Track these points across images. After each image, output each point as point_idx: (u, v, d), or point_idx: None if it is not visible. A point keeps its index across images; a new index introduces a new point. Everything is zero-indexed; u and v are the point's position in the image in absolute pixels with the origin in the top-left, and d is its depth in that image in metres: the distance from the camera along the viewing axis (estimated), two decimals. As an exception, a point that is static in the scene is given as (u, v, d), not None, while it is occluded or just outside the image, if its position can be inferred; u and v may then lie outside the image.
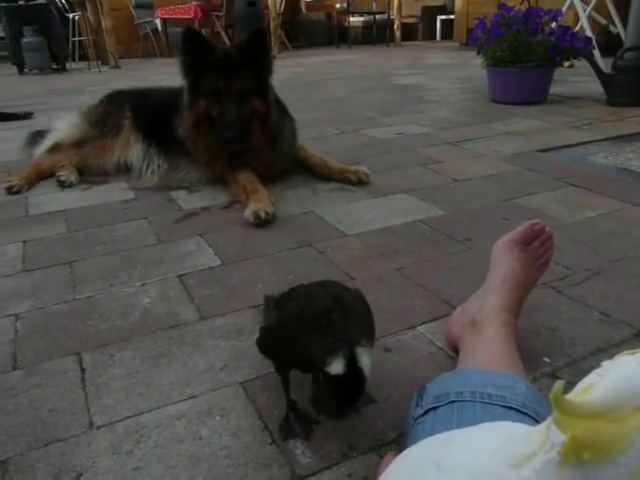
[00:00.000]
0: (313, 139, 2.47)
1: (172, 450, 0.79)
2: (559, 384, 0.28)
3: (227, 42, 7.18)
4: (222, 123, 1.79)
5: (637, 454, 0.28)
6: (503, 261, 0.94)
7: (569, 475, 0.30)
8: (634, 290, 1.16)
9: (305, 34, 9.66)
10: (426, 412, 0.67)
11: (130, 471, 0.76)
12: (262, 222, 1.56)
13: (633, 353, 0.32)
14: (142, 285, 1.28)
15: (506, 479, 0.32)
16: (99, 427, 0.85)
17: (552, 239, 0.99)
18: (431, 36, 9.61)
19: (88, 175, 2.14)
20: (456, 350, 0.95)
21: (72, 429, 0.84)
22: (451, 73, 4.90)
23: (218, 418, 0.85)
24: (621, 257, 1.30)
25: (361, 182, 1.88)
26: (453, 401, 0.65)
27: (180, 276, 1.31)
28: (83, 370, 0.98)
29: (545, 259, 0.98)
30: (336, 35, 9.41)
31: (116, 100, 2.28)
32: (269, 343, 0.85)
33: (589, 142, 2.36)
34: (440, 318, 1.07)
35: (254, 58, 1.78)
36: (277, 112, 1.91)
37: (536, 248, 0.97)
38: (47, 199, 1.93)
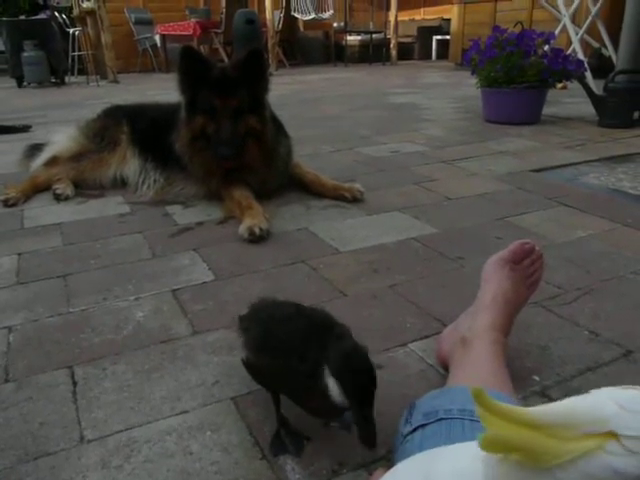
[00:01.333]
0: (308, 156, 2.49)
1: (162, 465, 0.80)
2: (475, 388, 0.30)
3: (225, 59, 7.27)
4: (217, 140, 1.81)
5: (577, 476, 0.30)
6: (493, 280, 0.96)
7: (507, 473, 0.32)
8: (623, 310, 1.17)
9: (302, 52, 9.79)
10: (415, 429, 0.67)
11: (120, 486, 0.76)
12: (256, 238, 1.57)
13: (636, 388, 0.33)
14: (136, 299, 1.28)
15: (477, 474, 0.33)
16: (89, 441, 0.85)
17: (542, 258, 1.00)
18: (427, 56, 9.75)
19: (84, 189, 2.15)
20: (446, 368, 0.96)
21: (62, 443, 0.84)
22: (446, 92, 4.96)
23: (209, 433, 0.85)
24: (611, 277, 1.32)
25: (355, 199, 1.90)
26: (442, 418, 0.66)
27: (174, 291, 1.31)
28: (75, 383, 0.98)
29: (535, 278, 0.99)
30: (333, 53, 9.54)
31: (114, 115, 2.30)
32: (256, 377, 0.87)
33: (581, 163, 2.39)
34: (431, 336, 1.08)
35: (251, 76, 1.80)
36: (273, 129, 1.93)
37: (526, 267, 0.98)
38: (43, 212, 1.94)
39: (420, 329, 1.11)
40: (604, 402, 0.32)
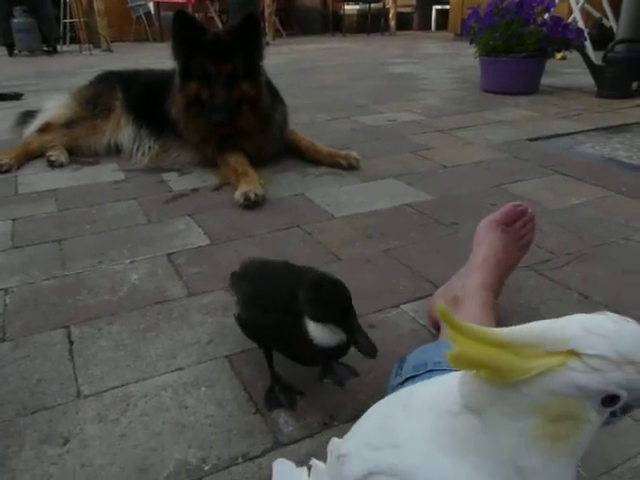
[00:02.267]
0: (304, 125, 2.47)
1: (158, 418, 0.81)
2: (442, 306, 0.31)
3: (220, 27, 7.14)
4: (211, 106, 1.79)
5: (542, 391, 0.32)
6: (485, 241, 0.97)
7: (479, 388, 0.34)
8: (613, 274, 1.18)
9: (300, 21, 9.62)
10: (405, 381, 0.69)
11: (116, 437, 0.78)
12: (251, 204, 1.58)
13: (605, 314, 0.34)
14: (131, 262, 1.29)
15: (453, 393, 0.35)
16: (86, 396, 0.86)
17: (534, 221, 1.01)
18: (426, 26, 9.60)
19: (78, 156, 2.14)
20: (438, 327, 0.97)
21: (60, 398, 0.86)
22: (444, 63, 4.91)
23: (204, 389, 0.87)
24: (603, 242, 1.33)
25: (351, 167, 1.90)
26: (431, 370, 0.67)
27: (169, 254, 1.32)
28: (71, 342, 0.99)
29: (526, 240, 1.00)
30: (331, 23, 9.38)
31: (107, 81, 2.27)
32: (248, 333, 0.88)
33: (578, 132, 2.38)
34: (424, 297, 1.09)
35: (245, 42, 1.78)
36: (268, 96, 1.91)
37: (518, 229, 0.99)
38: (37, 178, 1.93)
39: (413, 291, 1.12)
40: (568, 324, 0.33)
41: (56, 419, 0.82)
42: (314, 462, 0.46)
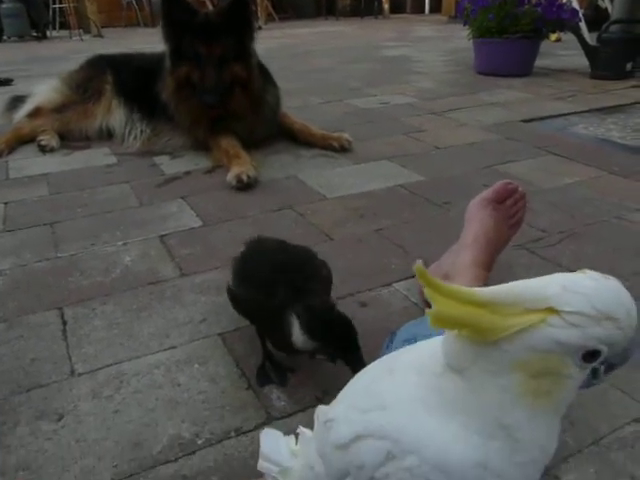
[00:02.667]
0: (297, 108, 2.46)
1: (151, 395, 0.82)
2: (418, 265, 0.32)
3: (211, 9, 7.05)
4: (202, 88, 1.78)
5: (522, 348, 0.32)
6: (476, 219, 0.97)
7: (461, 348, 0.34)
8: (604, 252, 1.19)
9: (292, 5, 9.52)
10: (395, 354, 0.69)
11: (110, 414, 0.79)
12: (244, 185, 1.57)
13: (585, 272, 0.35)
14: (124, 244, 1.29)
15: (436, 354, 0.35)
16: (80, 374, 0.87)
17: (524, 199, 1.01)
18: (420, 9, 9.52)
19: (70, 140, 2.12)
20: (429, 305, 0.98)
21: (54, 376, 0.86)
22: (438, 46, 4.88)
23: (197, 366, 0.88)
24: (594, 221, 1.34)
25: (343, 149, 1.89)
26: (421, 343, 0.68)
27: (161, 236, 1.32)
28: (65, 323, 1.00)
29: (517, 218, 1.01)
30: (324, 7, 9.29)
31: (97, 64, 2.25)
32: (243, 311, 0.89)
33: (571, 113, 2.38)
34: (416, 276, 1.10)
35: (236, 23, 1.76)
36: (260, 78, 1.90)
37: (509, 207, 0.99)
38: (28, 163, 1.92)
39: (405, 270, 1.13)
40: (547, 283, 0.33)
41: (50, 396, 0.82)
42: (301, 430, 0.46)
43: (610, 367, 0.35)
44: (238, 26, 1.77)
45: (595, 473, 0.67)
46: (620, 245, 1.21)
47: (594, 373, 0.34)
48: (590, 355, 0.32)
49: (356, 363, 0.70)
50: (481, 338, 0.33)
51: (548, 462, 0.36)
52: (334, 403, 0.42)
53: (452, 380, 0.34)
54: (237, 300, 0.88)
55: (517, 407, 0.33)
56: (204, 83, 1.77)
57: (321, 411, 0.42)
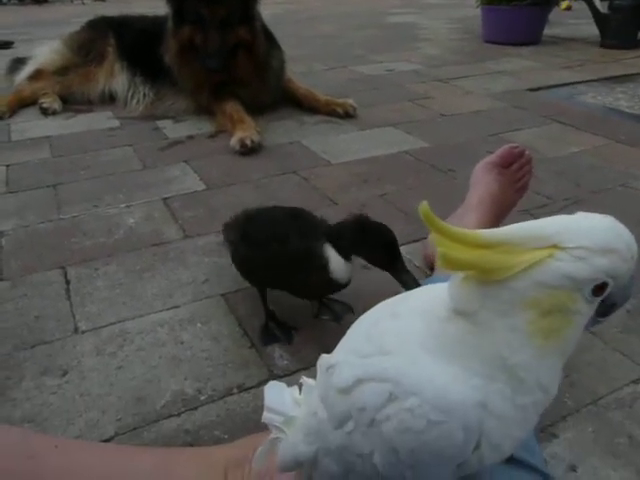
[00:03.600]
0: (301, 74, 2.42)
1: (154, 352, 0.83)
2: (424, 205, 0.31)
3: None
4: (205, 51, 1.75)
5: (531, 285, 0.32)
6: (482, 182, 0.96)
7: (469, 290, 0.34)
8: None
9: (298, -30, 9.29)
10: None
11: (114, 370, 0.79)
12: (248, 150, 1.56)
13: (581, 213, 0.35)
14: (127, 207, 1.29)
15: (443, 298, 0.35)
16: (84, 332, 0.87)
17: (530, 163, 1.00)
18: (428, -24, 9.28)
19: (72, 103, 2.10)
20: (432, 268, 0.98)
21: (57, 333, 0.87)
22: (446, 13, 4.77)
23: (199, 325, 0.88)
24: (600, 189, 1.33)
25: (348, 115, 1.87)
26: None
27: (165, 199, 1.32)
28: (68, 282, 1.00)
29: (523, 182, 1.00)
30: (330, -28, 9.05)
31: (99, 26, 2.21)
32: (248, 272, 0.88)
33: (580, 82, 2.34)
34: (420, 240, 1.10)
35: None
36: (264, 42, 1.87)
37: (514, 171, 0.98)
38: (30, 126, 1.90)
39: (408, 234, 1.12)
40: (549, 223, 0.33)
41: (54, 353, 0.83)
42: (304, 379, 0.47)
43: (612, 306, 0.35)
44: None
45: (593, 432, 0.68)
46: (625, 212, 1.20)
47: (599, 310, 0.35)
48: (599, 288, 0.33)
49: (405, 274, 0.74)
50: (489, 278, 0.33)
51: (548, 405, 0.36)
52: (336, 349, 0.43)
53: (457, 324, 0.34)
54: (247, 259, 0.85)
55: (526, 347, 0.33)
56: (207, 47, 1.74)
57: (323, 359, 0.43)
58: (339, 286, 0.79)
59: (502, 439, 0.35)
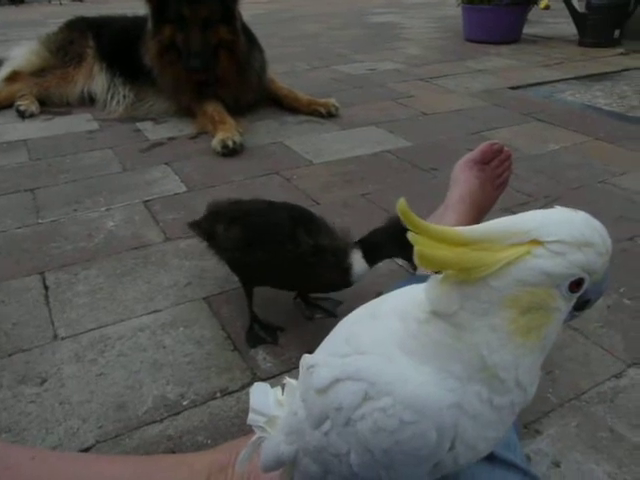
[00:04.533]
0: (283, 74, 2.41)
1: (136, 358, 0.81)
2: (401, 202, 0.31)
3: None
4: (187, 51, 1.74)
5: (510, 283, 0.32)
6: (462, 179, 0.96)
7: (448, 291, 0.34)
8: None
9: (279, -30, 9.27)
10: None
11: (94, 377, 0.78)
12: (229, 151, 1.55)
13: (557, 207, 0.34)
14: (107, 210, 1.27)
15: (419, 299, 0.35)
16: (63, 338, 0.86)
17: (510, 159, 1.01)
18: (409, -25, 9.32)
19: (50, 106, 2.07)
20: (415, 267, 0.98)
21: (36, 340, 0.85)
22: (427, 12, 4.80)
23: (182, 329, 0.87)
24: (579, 186, 1.34)
25: (330, 114, 1.87)
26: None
27: (145, 202, 1.30)
28: (46, 288, 0.98)
29: (503, 179, 1.00)
30: (311, -28, 9.05)
31: (78, 27, 2.17)
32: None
33: (559, 80, 2.37)
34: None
35: None
36: (245, 41, 1.85)
37: (494, 167, 0.98)
38: (7, 129, 1.87)
39: (391, 234, 1.12)
40: (526, 218, 0.33)
41: (33, 360, 0.81)
42: (287, 380, 0.46)
43: (587, 302, 0.35)
44: None
45: (576, 427, 0.68)
46: (604, 208, 1.21)
47: (576, 305, 0.34)
48: (576, 284, 0.32)
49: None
50: (468, 277, 0.32)
51: (525, 406, 0.36)
52: (317, 350, 0.42)
53: (436, 326, 0.34)
54: (253, 261, 0.81)
55: (506, 346, 0.32)
56: (189, 46, 1.72)
57: (305, 359, 0.42)
58: (347, 287, 0.81)
59: (477, 440, 0.34)
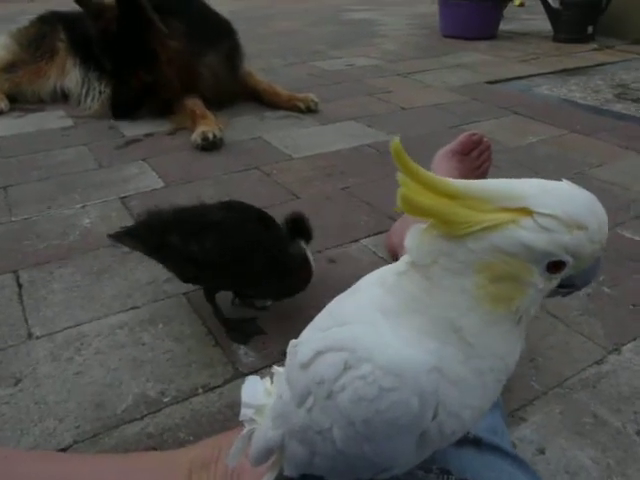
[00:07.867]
0: (261, 70, 2.38)
1: (114, 355, 0.79)
2: (395, 141, 0.30)
3: None
4: (112, 102, 1.82)
5: (487, 247, 0.31)
6: (441, 171, 0.96)
7: (427, 243, 0.33)
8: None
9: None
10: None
11: (71, 376, 0.76)
12: (209, 144, 1.52)
13: (564, 180, 0.34)
14: (82, 207, 1.24)
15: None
16: (38, 337, 0.83)
17: (490, 150, 1.01)
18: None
19: (21, 102, 2.02)
20: (397, 259, 0.97)
21: (10, 340, 0.83)
22: (404, 10, 4.80)
23: (161, 326, 0.85)
24: (558, 177, 1.33)
25: (309, 109, 1.85)
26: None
27: (122, 198, 1.28)
28: (20, 286, 0.96)
29: (483, 169, 1.01)
30: (287, -31, 9.02)
31: (50, 21, 2.12)
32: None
33: (535, 75, 2.39)
34: (384, 232, 1.09)
35: (132, 23, 1.67)
36: (186, 47, 1.75)
37: (474, 158, 0.99)
38: (-24, 126, 1.82)
39: (373, 226, 1.12)
40: (526, 183, 0.32)
41: (6, 360, 0.79)
42: (275, 368, 0.45)
43: (571, 286, 0.34)
44: (134, 24, 1.67)
45: (560, 413, 0.68)
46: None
47: (560, 284, 0.34)
48: (554, 266, 0.31)
49: None
50: (449, 231, 0.31)
51: (509, 375, 0.35)
52: (303, 332, 0.42)
53: (412, 278, 0.33)
54: (214, 268, 0.80)
55: (473, 310, 0.32)
56: (113, 97, 1.81)
57: (291, 343, 0.42)
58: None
59: (461, 407, 0.33)
